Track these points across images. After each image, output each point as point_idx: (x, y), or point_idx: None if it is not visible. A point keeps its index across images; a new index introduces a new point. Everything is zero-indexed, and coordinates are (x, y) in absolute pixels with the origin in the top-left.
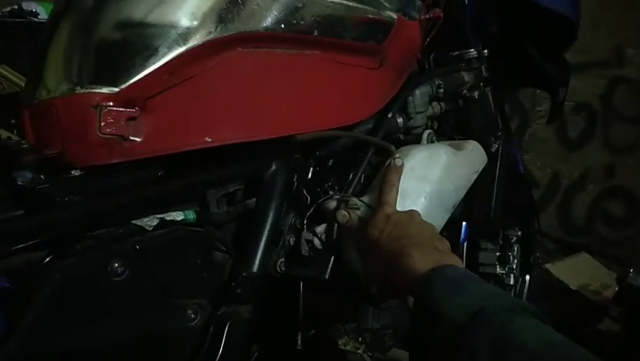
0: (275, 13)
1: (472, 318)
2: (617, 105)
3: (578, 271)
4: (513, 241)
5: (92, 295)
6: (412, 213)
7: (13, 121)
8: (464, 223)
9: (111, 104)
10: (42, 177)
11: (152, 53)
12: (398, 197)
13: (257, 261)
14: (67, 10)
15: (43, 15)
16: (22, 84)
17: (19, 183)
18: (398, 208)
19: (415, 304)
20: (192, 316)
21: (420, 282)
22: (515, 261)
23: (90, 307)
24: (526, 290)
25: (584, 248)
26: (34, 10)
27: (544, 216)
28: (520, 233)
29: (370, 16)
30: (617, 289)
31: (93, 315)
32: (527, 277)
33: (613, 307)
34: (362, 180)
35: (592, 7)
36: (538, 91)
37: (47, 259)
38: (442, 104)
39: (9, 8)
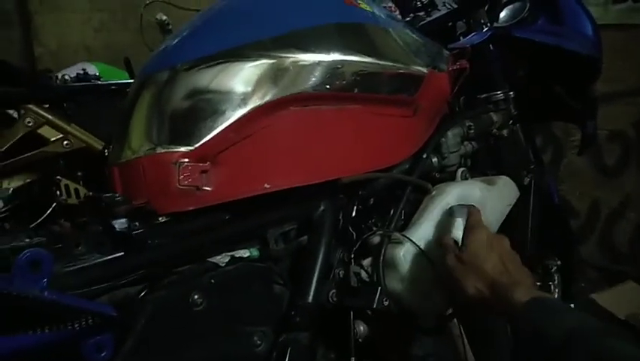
0: (319, 75)
1: (570, 336)
2: None
3: (624, 300)
4: (553, 270)
5: (177, 322)
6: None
7: (79, 173)
8: None
9: (187, 160)
10: (135, 223)
11: (219, 116)
12: (437, 231)
13: (311, 292)
14: (146, 83)
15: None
16: (89, 141)
17: (117, 229)
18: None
19: (517, 329)
20: (258, 342)
21: (522, 308)
22: (557, 290)
23: (175, 333)
24: None
25: (629, 276)
26: (96, 73)
27: (586, 246)
28: (559, 263)
29: (403, 71)
30: None
31: (178, 340)
32: (572, 306)
33: None
34: (402, 217)
35: (619, 39)
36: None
37: (142, 293)
38: (473, 143)
39: (75, 74)
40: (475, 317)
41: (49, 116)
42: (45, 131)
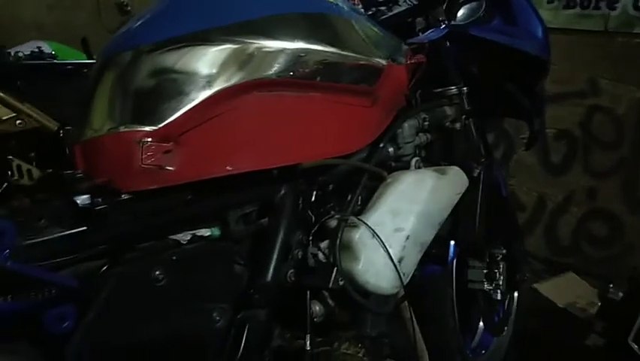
0: (282, 62)
1: None
2: (595, 132)
3: (565, 290)
4: (498, 258)
5: (137, 297)
6: None
7: (32, 154)
8: (452, 242)
9: (150, 139)
10: (98, 200)
11: (183, 97)
12: (391, 215)
13: (270, 271)
14: (110, 63)
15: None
16: (43, 121)
17: (80, 205)
18: (391, 226)
19: None
20: (217, 318)
21: None
22: (501, 278)
23: (136, 307)
24: (515, 306)
25: (570, 268)
26: (52, 52)
27: (531, 238)
28: (504, 251)
29: (363, 62)
30: (599, 304)
31: (138, 314)
32: (515, 293)
33: (597, 322)
34: (359, 202)
35: (567, 43)
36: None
37: (104, 267)
38: (427, 135)
39: (29, 51)
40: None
41: (1, 94)
42: None
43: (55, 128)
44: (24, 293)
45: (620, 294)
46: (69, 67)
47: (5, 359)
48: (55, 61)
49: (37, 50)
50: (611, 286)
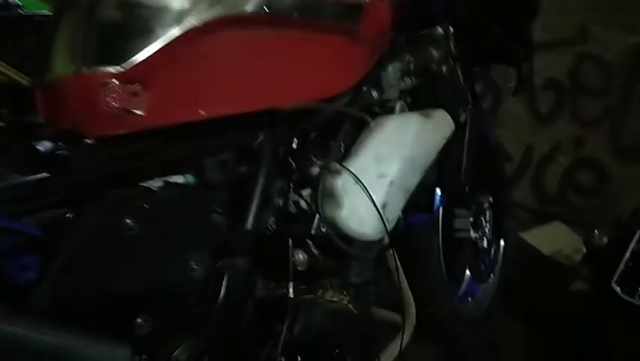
0: None
1: None
2: (584, 80)
3: (551, 239)
4: (485, 206)
5: (107, 246)
6: None
7: (3, 111)
8: (438, 190)
9: (116, 81)
10: (61, 145)
11: (151, 35)
12: (375, 161)
13: (250, 219)
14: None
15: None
16: (13, 76)
17: (41, 150)
18: (374, 171)
19: None
20: (194, 267)
21: None
22: (488, 225)
23: (106, 256)
24: (501, 254)
25: (556, 217)
26: (18, 3)
27: (518, 188)
28: (491, 200)
29: None
30: (584, 251)
31: (109, 263)
32: (502, 241)
33: (582, 268)
34: (342, 148)
35: None
36: (510, 69)
37: (69, 216)
38: (412, 78)
39: None
40: (411, 249)
41: None
42: None
43: (26, 82)
44: None
45: (605, 240)
46: (38, 18)
47: None
48: (22, 12)
49: (2, 1)
50: (596, 232)
